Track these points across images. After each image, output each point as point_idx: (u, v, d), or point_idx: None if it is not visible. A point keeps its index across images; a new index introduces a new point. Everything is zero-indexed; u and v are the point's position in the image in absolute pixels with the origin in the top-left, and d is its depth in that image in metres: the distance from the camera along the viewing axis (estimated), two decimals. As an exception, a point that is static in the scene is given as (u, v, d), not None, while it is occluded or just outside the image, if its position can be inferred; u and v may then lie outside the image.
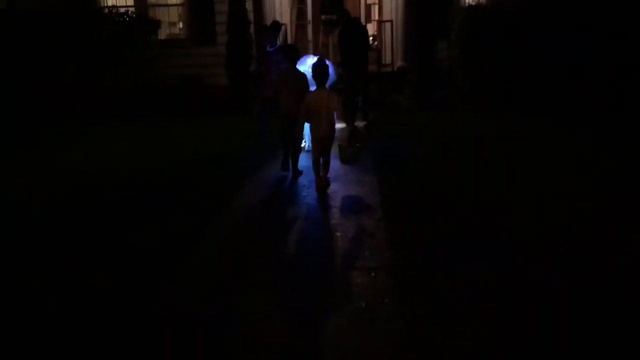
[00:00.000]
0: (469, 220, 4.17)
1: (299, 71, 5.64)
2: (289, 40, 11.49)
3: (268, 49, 6.97)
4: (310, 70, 5.22)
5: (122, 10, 10.50)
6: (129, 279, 3.38)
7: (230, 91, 10.09)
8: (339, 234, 4.02)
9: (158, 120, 9.16)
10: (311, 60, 5.81)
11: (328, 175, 5.15)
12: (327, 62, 5.28)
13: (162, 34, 11.68)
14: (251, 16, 10.35)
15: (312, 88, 5.27)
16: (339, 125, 6.06)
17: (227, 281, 3.32)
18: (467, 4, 10.53)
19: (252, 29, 10.32)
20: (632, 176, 5.11)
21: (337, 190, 5.15)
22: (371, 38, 11.38)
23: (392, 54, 10.76)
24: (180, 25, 12.11)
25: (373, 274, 3.32)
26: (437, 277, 3.26)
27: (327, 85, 5.15)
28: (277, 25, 7.50)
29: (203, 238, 4.05)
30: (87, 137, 8.22)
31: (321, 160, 5.05)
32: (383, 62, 11.16)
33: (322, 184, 5.05)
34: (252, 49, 10.27)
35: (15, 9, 9.91)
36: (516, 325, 2.70)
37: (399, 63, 10.66)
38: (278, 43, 7.04)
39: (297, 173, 5.64)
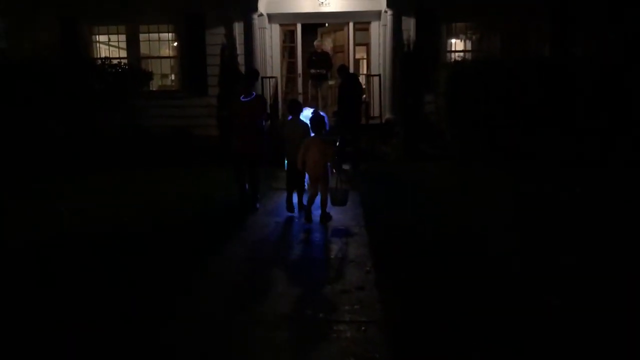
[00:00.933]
0: (459, 273, 4.15)
1: (303, 122, 6.25)
2: (280, 92, 11.70)
3: (242, 99, 6.12)
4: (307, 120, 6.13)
5: (116, 61, 10.69)
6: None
7: (221, 141, 10.17)
8: (328, 286, 3.97)
9: (148, 169, 9.16)
10: (307, 111, 6.60)
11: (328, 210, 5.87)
12: (322, 113, 6.41)
13: (154, 85, 11.88)
14: (242, 69, 10.58)
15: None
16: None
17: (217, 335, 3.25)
18: (453, 60, 10.88)
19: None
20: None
21: (326, 242, 5.14)
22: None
23: (380, 106, 10.97)
24: (173, 77, 12.34)
25: (363, 328, 3.27)
26: (429, 331, 3.22)
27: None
28: (254, 74, 7.24)
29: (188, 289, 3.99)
30: (74, 188, 8.17)
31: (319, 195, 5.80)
32: (371, 114, 11.37)
33: (323, 219, 5.78)
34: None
35: (7, 59, 10.05)
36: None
37: (386, 115, 10.86)
38: (254, 93, 6.23)
39: (304, 207, 6.07)
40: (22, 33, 11.24)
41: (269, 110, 7.41)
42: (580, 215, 5.83)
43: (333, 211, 5.94)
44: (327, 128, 6.45)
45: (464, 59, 11.04)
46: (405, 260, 4.52)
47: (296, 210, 6.27)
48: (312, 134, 5.87)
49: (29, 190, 7.91)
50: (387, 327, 3.27)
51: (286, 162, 6.35)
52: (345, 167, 8.30)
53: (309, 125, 5.94)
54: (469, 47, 11.64)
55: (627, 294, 3.71)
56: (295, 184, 6.29)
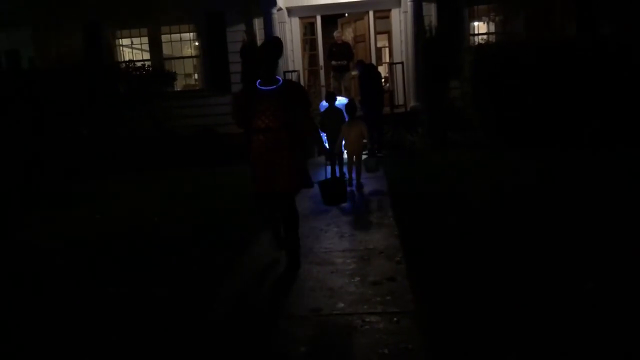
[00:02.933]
0: (488, 261, 4.09)
1: (339, 108, 7.51)
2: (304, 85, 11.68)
3: (261, 87, 3.99)
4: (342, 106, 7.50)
5: (139, 64, 10.82)
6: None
7: (246, 139, 10.21)
8: (358, 278, 3.96)
9: (173, 170, 9.28)
10: (340, 99, 8.06)
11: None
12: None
13: (178, 85, 11.99)
14: (264, 65, 10.57)
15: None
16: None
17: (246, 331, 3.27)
18: (476, 44, 10.68)
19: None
20: None
21: (354, 234, 5.13)
22: (383, 80, 11.55)
23: (404, 94, 10.86)
24: (196, 76, 12.43)
25: (395, 319, 3.25)
26: (461, 323, 3.18)
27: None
28: (276, 45, 4.19)
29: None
30: (103, 190, 8.33)
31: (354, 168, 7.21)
32: (396, 103, 11.27)
33: (358, 183, 7.13)
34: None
35: (35, 67, 10.33)
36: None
37: (411, 103, 10.75)
38: (281, 79, 4.05)
39: (343, 175, 7.26)
40: (47, 40, 11.46)
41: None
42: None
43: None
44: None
45: (487, 42, 10.82)
46: (437, 250, 4.48)
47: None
48: (348, 118, 7.32)
49: (67, 194, 8.12)
50: (419, 319, 3.24)
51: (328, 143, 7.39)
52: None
53: (344, 111, 7.37)
54: (492, 29, 11.41)
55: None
56: (334, 159, 7.30)
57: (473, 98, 9.60)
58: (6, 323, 3.69)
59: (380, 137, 9.45)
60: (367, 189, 7.14)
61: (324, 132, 7.31)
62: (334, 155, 7.14)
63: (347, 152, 7.31)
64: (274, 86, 3.95)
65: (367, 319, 3.26)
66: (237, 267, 4.47)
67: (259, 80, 3.99)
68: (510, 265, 3.98)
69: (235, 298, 3.84)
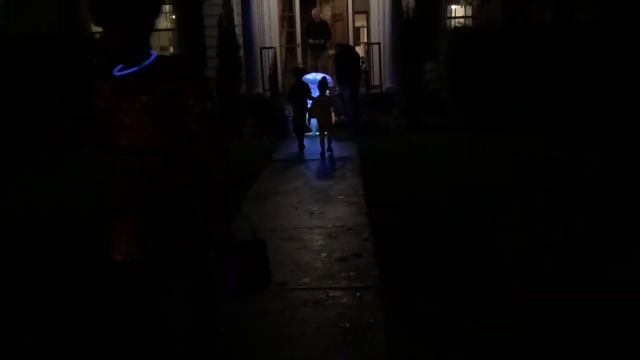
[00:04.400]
0: (455, 240, 4.22)
1: (304, 82, 8.40)
2: (279, 63, 11.62)
3: (117, 73, 2.11)
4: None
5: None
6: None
7: (221, 114, 10.16)
8: (324, 254, 4.05)
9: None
10: (312, 75, 9.27)
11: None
12: (327, 76, 8.91)
13: (153, 58, 11.79)
14: (240, 40, 10.49)
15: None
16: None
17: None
18: (453, 26, 10.75)
19: (241, 52, 10.46)
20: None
21: (324, 210, 5.21)
22: (361, 61, 11.57)
23: (380, 75, 10.90)
24: (171, 49, 12.24)
25: (358, 294, 3.35)
26: (423, 297, 3.29)
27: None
28: None
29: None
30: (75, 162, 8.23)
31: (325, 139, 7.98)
32: (372, 83, 11.30)
33: (328, 147, 7.97)
34: (242, 71, 10.42)
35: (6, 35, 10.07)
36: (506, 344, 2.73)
37: (387, 84, 10.80)
38: (153, 54, 2.11)
39: (303, 147, 8.40)
40: (21, 9, 11.15)
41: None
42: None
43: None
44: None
45: (464, 25, 10.90)
46: (405, 228, 4.59)
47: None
48: (319, 94, 8.08)
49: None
50: (381, 294, 3.35)
51: (293, 115, 8.54)
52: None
53: (317, 87, 8.13)
54: (469, 13, 11.48)
55: None
56: (301, 130, 8.42)
57: (448, 80, 9.71)
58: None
59: (357, 115, 9.51)
60: (339, 168, 7.25)
61: (291, 105, 8.57)
62: (301, 129, 8.32)
63: (317, 124, 8.16)
64: (136, 67, 2.07)
65: (331, 294, 3.36)
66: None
67: (119, 65, 2.11)
68: (473, 243, 4.11)
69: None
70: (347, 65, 9.38)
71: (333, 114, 8.55)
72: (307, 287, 3.49)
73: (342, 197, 5.73)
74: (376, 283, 3.50)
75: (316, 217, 5.05)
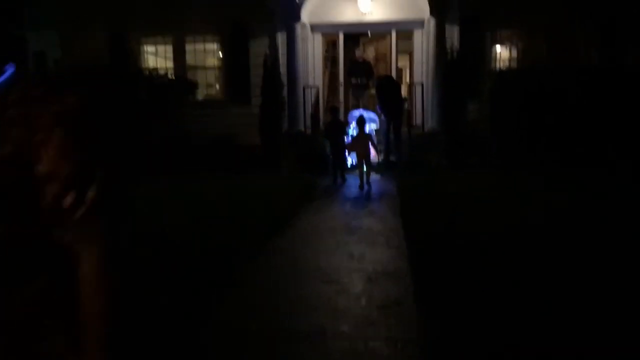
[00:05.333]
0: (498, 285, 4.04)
1: (340, 121, 9.09)
2: (321, 102, 11.75)
3: None
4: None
5: (162, 72, 11.00)
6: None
7: (263, 150, 10.30)
8: (364, 300, 3.94)
9: (191, 176, 9.35)
10: (356, 112, 9.78)
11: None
12: (371, 113, 10.04)
13: (200, 94, 12.15)
14: (284, 79, 10.69)
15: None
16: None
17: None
18: (497, 68, 10.68)
19: (285, 91, 10.64)
20: None
21: (364, 252, 5.11)
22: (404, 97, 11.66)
23: (422, 115, 10.87)
24: (217, 86, 12.57)
25: (399, 345, 3.22)
26: (470, 353, 3.14)
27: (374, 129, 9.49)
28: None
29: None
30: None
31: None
32: (414, 123, 11.27)
33: (367, 180, 8.38)
34: (284, 109, 10.58)
35: (59, 71, 10.54)
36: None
37: (429, 124, 10.75)
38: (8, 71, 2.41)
39: (344, 179, 8.86)
40: (73, 43, 11.71)
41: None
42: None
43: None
44: (378, 125, 9.92)
45: (509, 67, 10.81)
46: (448, 276, 4.44)
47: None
48: (358, 131, 8.68)
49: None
50: (423, 345, 3.21)
51: (330, 149, 9.03)
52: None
53: (356, 123, 8.80)
54: (514, 54, 11.39)
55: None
56: (339, 166, 8.85)
57: (492, 122, 9.58)
58: None
59: (398, 143, 9.86)
60: (379, 208, 7.17)
61: (328, 140, 9.06)
62: (339, 165, 8.82)
63: (357, 159, 8.72)
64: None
65: (371, 344, 3.24)
66: (244, 277, 4.47)
67: None
68: (525, 292, 3.92)
69: (239, 311, 3.83)
70: (388, 94, 9.81)
71: (372, 150, 8.82)
72: (346, 336, 3.38)
73: (382, 238, 5.63)
74: (418, 335, 3.37)
75: (356, 259, 4.96)
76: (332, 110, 9.30)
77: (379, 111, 10.19)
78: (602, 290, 3.89)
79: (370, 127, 9.37)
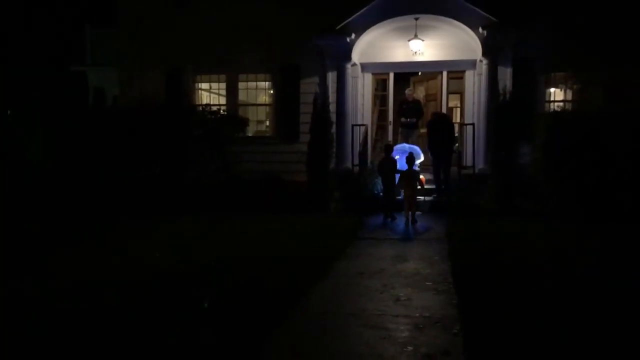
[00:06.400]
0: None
1: (392, 158, 9.06)
2: (369, 140, 11.73)
3: None
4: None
5: (215, 108, 11.33)
6: None
7: (309, 187, 10.32)
8: (410, 348, 3.80)
9: (237, 214, 9.43)
10: (402, 146, 9.97)
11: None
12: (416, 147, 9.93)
13: (250, 130, 12.41)
14: (333, 117, 10.78)
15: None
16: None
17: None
18: (551, 110, 10.43)
19: (333, 129, 10.71)
20: None
21: (411, 297, 4.97)
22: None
23: (473, 156, 10.67)
24: (267, 123, 12.80)
25: None
26: None
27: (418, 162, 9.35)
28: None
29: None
30: (161, 230, 8.52)
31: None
32: (464, 164, 11.06)
33: (412, 219, 8.55)
34: (333, 147, 10.63)
35: (117, 106, 11.10)
36: None
37: (480, 166, 10.53)
38: None
39: (394, 217, 8.85)
40: (131, 80, 12.26)
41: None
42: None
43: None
44: (422, 159, 9.82)
45: (563, 109, 10.54)
46: (497, 324, 4.25)
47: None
48: (407, 167, 8.71)
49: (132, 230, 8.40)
50: None
51: (382, 188, 9.24)
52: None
53: (405, 160, 8.84)
54: (568, 97, 11.13)
55: None
56: (390, 204, 8.95)
57: (544, 166, 9.28)
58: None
59: (447, 184, 9.91)
60: (428, 251, 6.97)
61: (380, 177, 9.30)
62: (389, 202, 8.95)
63: (404, 196, 8.79)
64: None
65: (417, 395, 3.10)
66: (290, 317, 4.41)
67: None
68: (578, 344, 3.70)
69: (286, 356, 3.76)
70: (440, 132, 9.88)
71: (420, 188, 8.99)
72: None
73: (430, 283, 5.46)
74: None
75: (402, 304, 4.82)
76: (387, 147, 9.47)
77: (427, 149, 10.17)
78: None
79: (415, 163, 9.26)
